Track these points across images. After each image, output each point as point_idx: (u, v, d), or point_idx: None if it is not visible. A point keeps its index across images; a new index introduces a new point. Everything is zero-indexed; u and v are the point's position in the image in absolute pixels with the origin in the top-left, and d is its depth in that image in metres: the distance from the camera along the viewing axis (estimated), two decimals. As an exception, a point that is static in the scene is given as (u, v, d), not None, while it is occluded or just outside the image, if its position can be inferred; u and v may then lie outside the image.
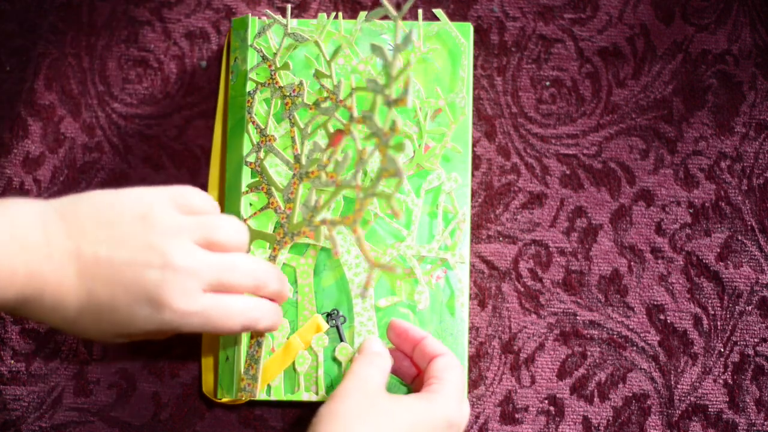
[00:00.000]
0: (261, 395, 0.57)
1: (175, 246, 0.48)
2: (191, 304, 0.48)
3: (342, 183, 0.52)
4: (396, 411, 0.49)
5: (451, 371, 0.52)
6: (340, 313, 0.58)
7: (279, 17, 0.60)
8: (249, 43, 0.60)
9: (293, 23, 0.60)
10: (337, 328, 0.57)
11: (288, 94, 0.59)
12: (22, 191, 0.62)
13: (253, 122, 0.59)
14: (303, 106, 0.59)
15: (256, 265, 0.51)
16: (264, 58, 0.60)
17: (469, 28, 0.60)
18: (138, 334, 0.49)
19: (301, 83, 0.59)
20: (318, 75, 0.59)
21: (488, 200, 0.61)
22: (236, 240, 0.50)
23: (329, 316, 0.58)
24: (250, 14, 0.61)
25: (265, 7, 0.64)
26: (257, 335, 0.57)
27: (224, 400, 0.57)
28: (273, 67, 0.60)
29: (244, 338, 0.57)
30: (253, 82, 0.60)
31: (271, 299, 0.53)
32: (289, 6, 0.60)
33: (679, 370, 0.58)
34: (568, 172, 0.61)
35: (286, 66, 0.59)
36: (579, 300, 0.59)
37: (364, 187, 0.50)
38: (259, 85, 0.60)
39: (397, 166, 0.47)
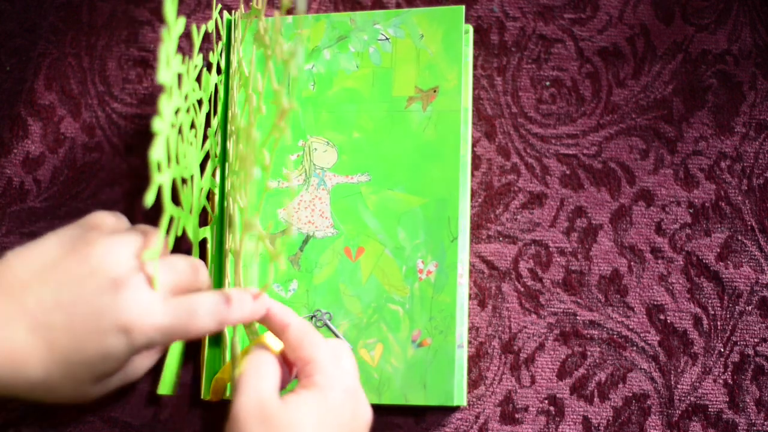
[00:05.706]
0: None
1: (117, 263, 0.44)
2: (158, 315, 0.44)
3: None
4: (291, 419, 0.44)
5: (309, 346, 0.47)
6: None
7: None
8: (231, 40, 0.61)
9: (288, 20, 0.60)
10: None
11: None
12: (22, 191, 0.62)
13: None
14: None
15: (191, 260, 0.48)
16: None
17: (461, 10, 0.59)
18: (113, 369, 0.45)
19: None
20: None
21: (488, 200, 0.61)
22: (162, 242, 0.46)
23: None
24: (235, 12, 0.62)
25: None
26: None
27: (209, 398, 0.57)
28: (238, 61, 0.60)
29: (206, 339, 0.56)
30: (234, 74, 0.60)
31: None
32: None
33: (679, 370, 0.58)
34: (568, 172, 0.61)
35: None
36: (579, 300, 0.59)
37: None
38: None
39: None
